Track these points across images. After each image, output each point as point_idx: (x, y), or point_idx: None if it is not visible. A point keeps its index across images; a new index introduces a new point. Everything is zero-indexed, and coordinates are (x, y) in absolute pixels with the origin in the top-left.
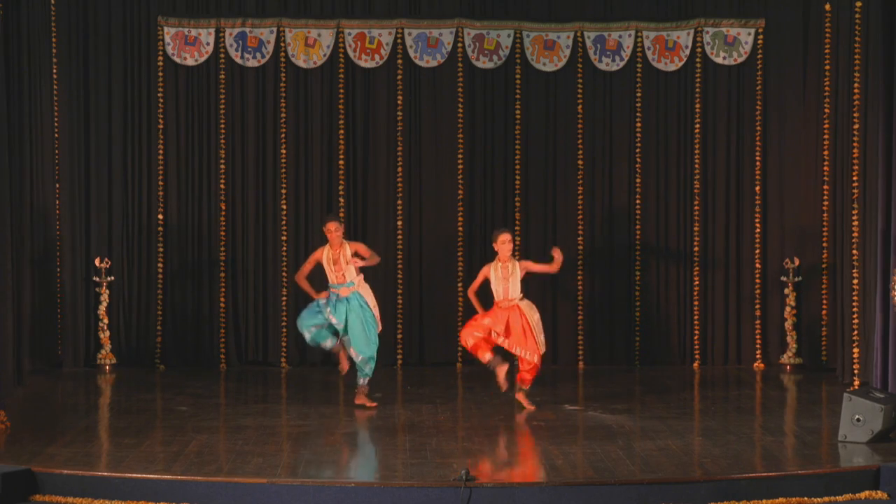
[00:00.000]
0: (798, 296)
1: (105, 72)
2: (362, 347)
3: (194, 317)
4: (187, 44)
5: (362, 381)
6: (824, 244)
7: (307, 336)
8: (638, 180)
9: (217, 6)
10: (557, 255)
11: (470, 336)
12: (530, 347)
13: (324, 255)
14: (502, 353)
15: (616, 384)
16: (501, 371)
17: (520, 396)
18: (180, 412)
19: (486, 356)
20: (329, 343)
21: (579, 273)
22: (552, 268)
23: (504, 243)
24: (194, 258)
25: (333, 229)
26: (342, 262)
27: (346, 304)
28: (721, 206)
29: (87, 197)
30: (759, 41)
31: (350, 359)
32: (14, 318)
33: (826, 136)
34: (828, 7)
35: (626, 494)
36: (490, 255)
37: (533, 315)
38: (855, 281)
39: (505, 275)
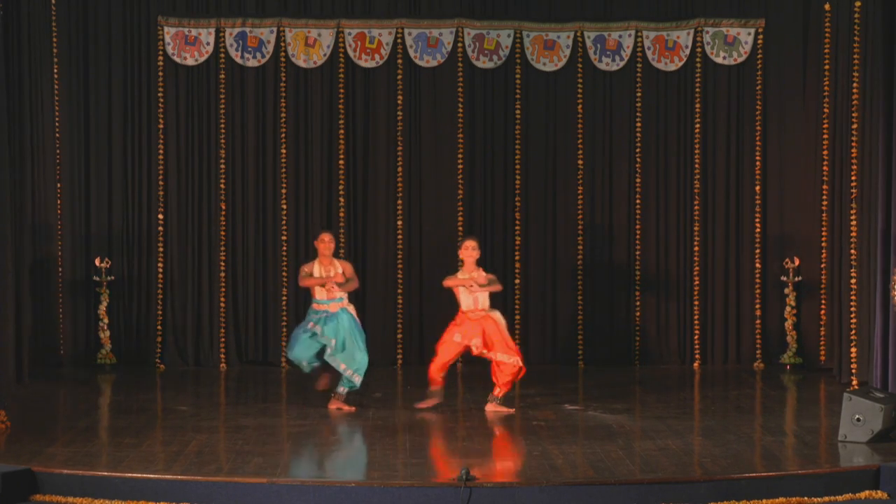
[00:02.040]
0: (798, 296)
1: (105, 72)
2: (349, 362)
3: (194, 317)
4: (187, 44)
5: (342, 389)
6: (823, 244)
7: (303, 366)
8: (638, 180)
9: (217, 6)
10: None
11: (440, 373)
12: (513, 352)
13: (314, 269)
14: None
15: (616, 384)
16: (429, 404)
17: (494, 406)
18: (180, 412)
19: (436, 386)
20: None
21: (579, 273)
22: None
23: (468, 250)
24: (194, 258)
25: (328, 240)
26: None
27: (335, 320)
28: (721, 206)
29: (87, 197)
30: (759, 41)
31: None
32: (14, 318)
33: (825, 136)
34: (828, 7)
35: (626, 494)
36: (490, 255)
37: (503, 321)
38: (854, 281)
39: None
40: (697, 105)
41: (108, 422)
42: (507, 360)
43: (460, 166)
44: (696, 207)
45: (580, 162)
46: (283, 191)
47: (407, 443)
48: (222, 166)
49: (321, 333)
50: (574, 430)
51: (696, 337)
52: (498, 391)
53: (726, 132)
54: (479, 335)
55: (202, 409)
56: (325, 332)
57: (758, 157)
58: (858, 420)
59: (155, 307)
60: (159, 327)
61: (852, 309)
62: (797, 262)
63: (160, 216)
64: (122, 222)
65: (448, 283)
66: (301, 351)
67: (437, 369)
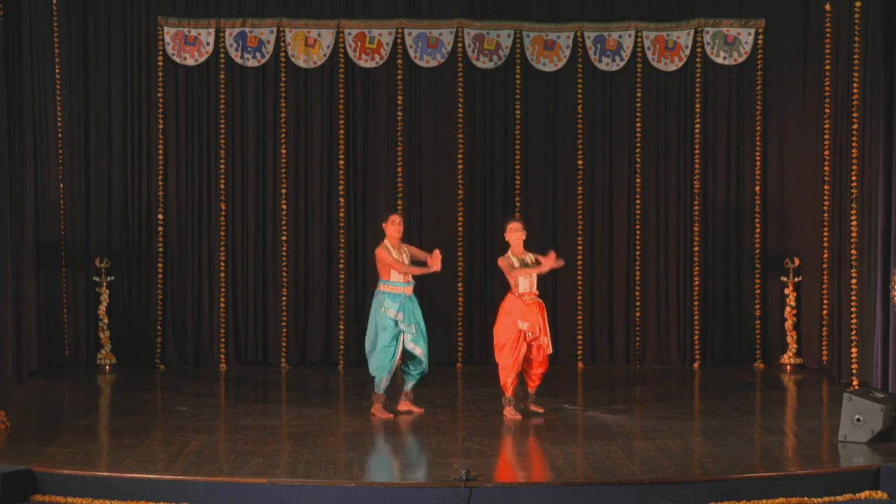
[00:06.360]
0: (798, 296)
1: (105, 72)
2: (420, 342)
3: (194, 317)
4: (187, 44)
5: (410, 385)
6: (824, 244)
7: (387, 375)
8: (638, 180)
9: (217, 6)
10: (551, 260)
11: (512, 377)
12: (548, 336)
13: (391, 254)
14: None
15: (616, 384)
16: (511, 412)
17: (532, 406)
18: (180, 412)
19: (510, 390)
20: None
21: (579, 273)
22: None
23: (516, 231)
24: (194, 258)
25: (398, 222)
26: (404, 261)
27: (411, 303)
28: (721, 205)
29: (87, 197)
30: (759, 41)
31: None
32: (15, 318)
33: (826, 136)
34: (828, 7)
35: (626, 494)
36: (490, 255)
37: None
38: (854, 281)
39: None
40: (697, 105)
41: (108, 422)
42: (545, 344)
43: (460, 166)
44: (696, 207)
45: (580, 162)
46: (283, 191)
47: (407, 443)
48: (222, 166)
49: (402, 320)
50: (574, 430)
51: (696, 337)
52: (531, 385)
53: (726, 132)
54: (535, 322)
55: (202, 409)
56: (406, 320)
57: (758, 157)
58: (858, 420)
59: (155, 308)
60: (159, 327)
61: (852, 309)
62: (797, 262)
63: (160, 216)
64: (122, 222)
65: (521, 271)
66: (385, 356)
67: (508, 372)
